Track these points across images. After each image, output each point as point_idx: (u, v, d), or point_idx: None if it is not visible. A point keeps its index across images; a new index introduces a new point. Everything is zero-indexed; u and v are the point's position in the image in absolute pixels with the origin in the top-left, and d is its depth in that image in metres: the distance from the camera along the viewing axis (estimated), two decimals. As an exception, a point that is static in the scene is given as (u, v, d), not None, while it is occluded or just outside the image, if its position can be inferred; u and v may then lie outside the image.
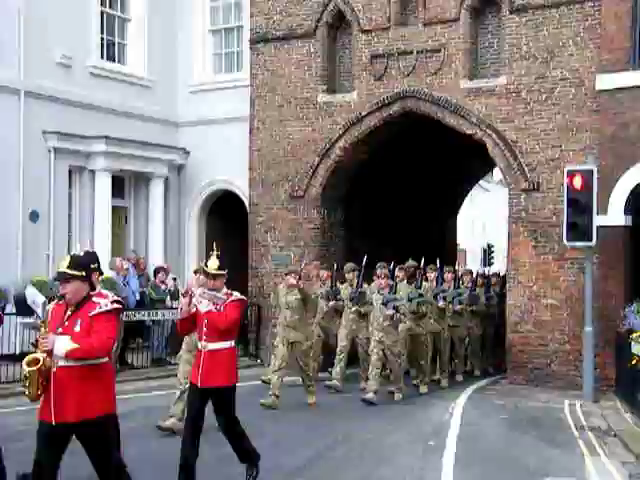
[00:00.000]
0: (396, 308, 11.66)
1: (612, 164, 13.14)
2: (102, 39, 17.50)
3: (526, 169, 14.15)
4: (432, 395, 12.99)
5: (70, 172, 16.51)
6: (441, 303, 13.78)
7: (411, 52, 15.19)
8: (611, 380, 12.88)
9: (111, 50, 17.84)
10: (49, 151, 15.88)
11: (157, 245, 17.84)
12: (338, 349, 13.12)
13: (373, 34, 15.60)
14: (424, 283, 13.26)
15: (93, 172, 16.70)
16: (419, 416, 11.19)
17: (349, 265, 13.70)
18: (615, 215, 13.09)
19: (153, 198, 17.96)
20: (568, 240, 12.76)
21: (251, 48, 16.95)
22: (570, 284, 13.78)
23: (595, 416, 11.26)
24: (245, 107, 16.90)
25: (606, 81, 13.26)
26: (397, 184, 18.35)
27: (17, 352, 13.72)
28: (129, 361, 14.65)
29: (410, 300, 12.31)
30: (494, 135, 14.42)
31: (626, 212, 13.13)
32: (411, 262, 13.59)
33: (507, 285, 14.89)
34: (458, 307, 14.30)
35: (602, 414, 11.31)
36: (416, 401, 12.38)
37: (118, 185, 17.54)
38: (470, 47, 14.83)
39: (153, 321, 14.92)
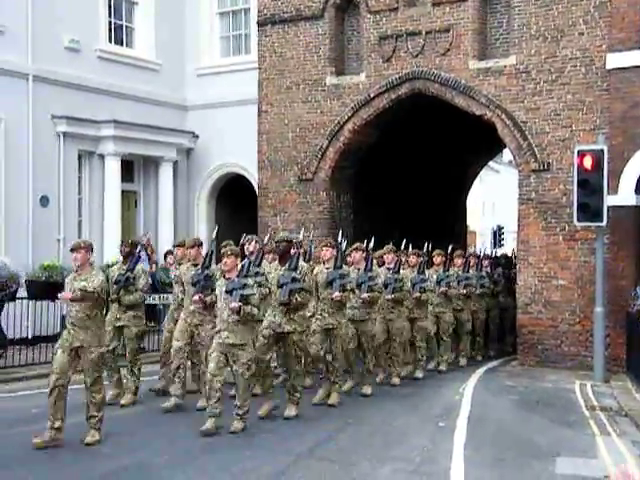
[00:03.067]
0: (343, 287, 9.91)
1: (623, 144, 13.05)
2: (110, 23, 17.50)
3: (536, 150, 14.08)
4: (442, 377, 13.01)
5: (79, 156, 16.56)
6: (443, 288, 13.32)
7: (420, 33, 15.10)
8: (622, 360, 12.86)
9: (119, 34, 17.83)
10: (58, 136, 15.92)
11: (167, 229, 17.88)
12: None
13: (381, 15, 15.50)
14: (402, 270, 12.01)
15: (102, 156, 16.73)
16: (429, 397, 11.20)
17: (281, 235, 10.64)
18: (626, 195, 13.01)
19: (162, 182, 17.99)
20: (578, 221, 12.72)
21: (259, 30, 16.89)
22: (580, 265, 13.74)
23: (606, 396, 11.26)
24: (253, 90, 16.86)
25: (617, 60, 13.15)
26: (406, 166, 18.31)
27: (29, 336, 13.84)
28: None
29: (359, 285, 10.64)
30: (504, 115, 14.34)
31: (637, 192, 13.04)
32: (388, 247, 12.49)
33: (517, 266, 14.86)
34: (444, 289, 13.38)
35: (613, 394, 11.31)
36: (426, 382, 12.39)
37: (127, 169, 17.58)
38: (479, 27, 14.72)
39: (164, 305, 14.97)
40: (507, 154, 27.33)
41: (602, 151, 12.45)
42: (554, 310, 13.98)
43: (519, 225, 14.53)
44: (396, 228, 16.28)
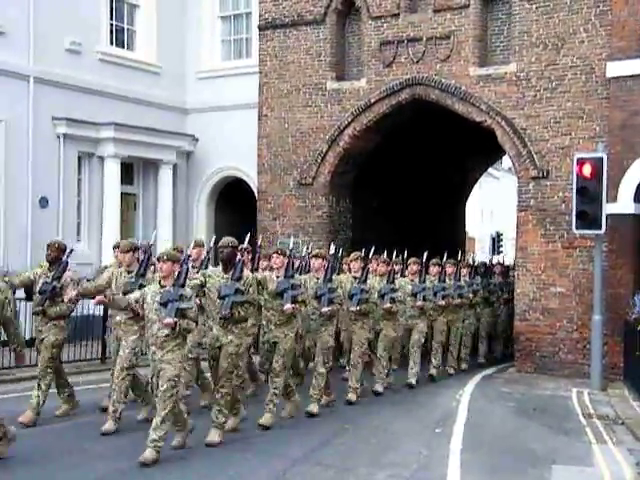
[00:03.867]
0: (294, 298, 9.12)
1: (622, 152, 13.07)
2: (111, 25, 17.52)
3: (535, 157, 14.10)
4: (439, 383, 13.00)
5: (79, 158, 16.56)
6: (386, 305, 11.38)
7: (420, 39, 15.13)
8: (619, 368, 12.86)
9: (120, 36, 17.85)
10: (58, 137, 15.93)
11: (166, 232, 17.86)
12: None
13: (382, 21, 15.53)
14: (370, 279, 11.11)
15: (102, 158, 16.74)
16: (426, 403, 11.21)
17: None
18: (624, 203, 13.03)
19: (162, 184, 17.99)
20: (577, 228, 12.73)
21: (260, 34, 16.91)
22: (579, 272, 13.74)
23: (603, 404, 11.26)
24: (254, 94, 16.87)
25: (617, 68, 13.17)
26: (406, 171, 18.32)
27: (27, 337, 13.79)
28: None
29: (318, 297, 9.86)
30: (503, 122, 14.36)
31: (636, 200, 13.06)
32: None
33: (516, 273, 14.86)
34: (419, 303, 12.36)
35: (610, 402, 11.31)
36: (423, 388, 12.39)
37: (127, 171, 17.58)
38: (480, 34, 14.75)
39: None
40: (507, 161, 27.36)
41: (601, 159, 12.47)
42: (552, 317, 13.98)
43: (518, 232, 14.54)
44: (395, 233, 16.33)
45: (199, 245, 10.50)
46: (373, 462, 7.84)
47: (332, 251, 11.45)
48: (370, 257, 11.65)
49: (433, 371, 13.06)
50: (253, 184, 17.53)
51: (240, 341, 8.34)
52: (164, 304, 7.44)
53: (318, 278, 10.02)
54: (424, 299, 12.48)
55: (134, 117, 17.07)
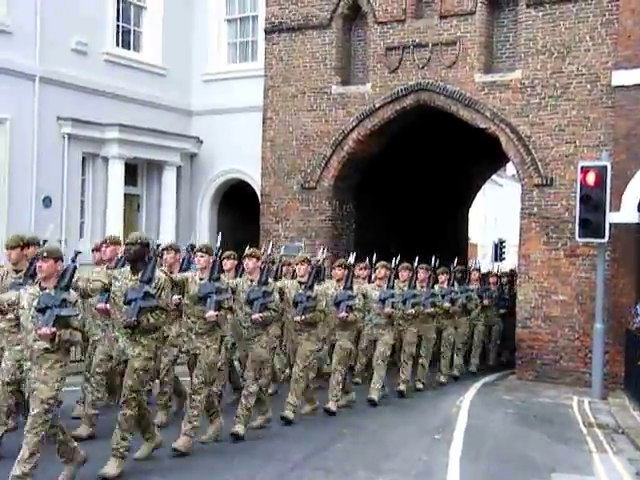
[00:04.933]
0: (220, 304, 8.19)
1: (626, 161, 13.06)
2: (118, 26, 17.53)
3: (539, 164, 14.09)
4: (440, 390, 12.99)
5: (84, 159, 16.58)
6: (387, 310, 11.22)
7: (426, 45, 15.14)
8: (620, 377, 12.83)
9: (126, 37, 17.87)
10: (63, 137, 15.94)
11: (169, 233, 17.86)
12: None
13: (388, 26, 15.54)
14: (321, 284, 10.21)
15: (106, 159, 16.75)
16: (426, 410, 11.20)
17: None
18: (628, 212, 13.01)
19: (165, 186, 18.00)
20: (580, 236, 12.72)
21: (266, 38, 16.92)
22: (581, 280, 13.73)
23: (603, 413, 11.25)
24: (259, 97, 16.88)
25: (622, 77, 13.17)
26: (409, 177, 18.32)
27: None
28: None
29: (250, 302, 8.81)
30: (508, 129, 14.36)
31: (639, 209, 13.05)
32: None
33: (518, 281, 14.86)
34: (388, 310, 11.19)
35: (610, 411, 11.29)
36: (424, 395, 12.38)
37: (131, 172, 17.59)
38: (486, 41, 14.76)
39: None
40: (511, 168, 27.36)
41: (605, 168, 12.47)
42: (554, 325, 13.96)
43: (520, 239, 14.52)
44: (398, 238, 16.33)
45: (114, 242, 9.14)
46: (372, 467, 7.83)
47: (320, 256, 10.89)
48: (355, 263, 11.23)
49: (402, 387, 11.89)
50: (257, 187, 17.54)
51: (149, 354, 7.16)
52: (42, 310, 6.19)
53: (252, 281, 8.91)
54: (392, 307, 11.28)
55: (139, 118, 17.08)
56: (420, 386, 12.64)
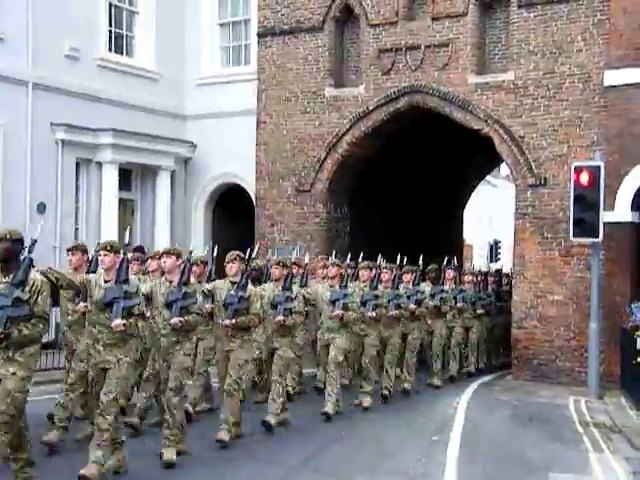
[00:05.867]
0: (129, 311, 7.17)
1: (619, 160, 13.10)
2: (110, 31, 17.52)
3: (533, 165, 14.12)
4: (436, 391, 12.99)
5: (77, 164, 16.55)
6: (370, 313, 10.84)
7: (419, 46, 15.17)
8: (616, 376, 12.86)
9: (119, 42, 17.85)
10: (57, 143, 15.92)
11: (163, 238, 17.85)
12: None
13: (381, 28, 15.57)
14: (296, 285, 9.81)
15: (100, 164, 16.73)
16: (423, 411, 11.19)
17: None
18: (622, 211, 13.06)
19: (160, 191, 17.99)
20: (574, 236, 12.75)
21: (259, 41, 16.94)
22: (576, 280, 13.76)
23: (599, 412, 11.26)
24: (252, 100, 16.89)
25: (614, 77, 13.21)
26: (404, 179, 18.34)
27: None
28: None
29: (168, 305, 7.90)
30: (501, 130, 14.40)
31: (633, 209, 13.10)
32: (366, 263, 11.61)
33: (513, 281, 14.89)
34: (337, 312, 10.17)
35: (607, 410, 11.31)
36: (421, 396, 12.38)
37: (125, 177, 17.57)
38: (478, 42, 14.80)
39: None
40: (505, 168, 27.40)
41: (599, 167, 12.50)
42: (549, 325, 13.99)
43: (515, 240, 14.56)
44: (392, 240, 16.32)
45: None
46: (370, 469, 7.83)
47: (306, 259, 10.65)
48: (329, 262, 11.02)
49: (364, 399, 10.87)
50: (251, 191, 17.53)
51: (28, 372, 6.22)
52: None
53: (171, 282, 8.02)
54: (346, 308, 10.24)
55: (132, 123, 17.06)
56: (385, 392, 11.50)
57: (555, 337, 13.94)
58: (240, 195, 18.25)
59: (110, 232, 16.42)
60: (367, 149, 16.29)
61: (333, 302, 10.26)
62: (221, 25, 18.99)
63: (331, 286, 10.53)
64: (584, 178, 12.50)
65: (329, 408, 9.92)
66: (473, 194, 24.95)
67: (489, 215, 47.85)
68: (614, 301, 13.10)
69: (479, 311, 14.91)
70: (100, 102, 16.69)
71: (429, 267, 13.69)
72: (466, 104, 14.71)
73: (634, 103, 13.04)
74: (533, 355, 14.11)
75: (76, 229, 16.56)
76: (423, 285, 13.06)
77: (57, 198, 15.91)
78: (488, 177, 33.68)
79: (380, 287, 11.28)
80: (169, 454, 7.56)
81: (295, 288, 9.61)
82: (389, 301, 11.36)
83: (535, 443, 9.31)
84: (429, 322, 13.25)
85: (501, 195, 43.93)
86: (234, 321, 8.35)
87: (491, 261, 32.37)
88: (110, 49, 17.48)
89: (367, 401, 10.87)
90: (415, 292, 12.34)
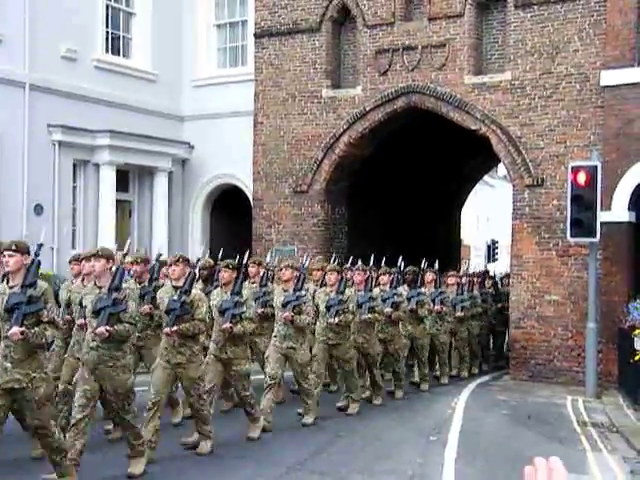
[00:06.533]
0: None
1: (616, 160, 13.12)
2: (107, 33, 17.53)
3: (530, 165, 14.14)
4: (434, 391, 12.99)
5: (74, 165, 16.56)
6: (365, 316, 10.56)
7: (416, 47, 15.17)
8: (614, 376, 12.87)
9: (116, 44, 17.86)
10: (54, 144, 15.93)
11: (161, 239, 17.87)
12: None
13: (378, 29, 15.58)
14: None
15: (97, 166, 16.74)
16: (421, 411, 11.20)
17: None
18: (619, 211, 13.07)
19: (157, 192, 17.99)
20: (572, 236, 12.75)
21: (256, 42, 16.94)
22: (573, 280, 13.77)
23: (597, 412, 11.27)
24: (249, 102, 16.90)
25: (611, 77, 13.23)
26: (401, 179, 18.35)
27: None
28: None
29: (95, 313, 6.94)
30: (498, 131, 14.41)
31: (630, 208, 13.11)
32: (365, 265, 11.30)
33: (511, 281, 14.89)
34: (286, 314, 9.35)
35: (604, 410, 11.31)
36: (419, 396, 12.39)
37: (122, 179, 17.57)
38: (475, 42, 14.81)
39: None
40: (502, 169, 27.43)
41: (596, 167, 12.51)
42: (547, 325, 14.00)
43: (513, 240, 14.56)
44: (390, 240, 16.33)
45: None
46: (367, 470, 7.83)
47: (269, 260, 10.57)
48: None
49: (351, 404, 10.53)
50: (248, 192, 17.54)
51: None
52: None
53: (101, 287, 7.09)
54: (298, 312, 9.39)
55: (130, 124, 17.07)
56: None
57: (553, 337, 13.95)
58: (237, 196, 18.26)
59: (107, 233, 16.45)
60: (364, 150, 16.29)
61: (284, 305, 9.44)
62: (218, 26, 18.99)
63: (285, 290, 9.67)
64: (581, 178, 12.51)
65: (306, 419, 9.63)
66: (471, 194, 24.98)
67: (487, 215, 47.87)
68: (611, 301, 13.11)
69: (458, 314, 14.03)
70: (97, 103, 16.70)
71: (406, 269, 12.81)
72: (463, 104, 14.72)
73: (631, 103, 13.06)
74: (531, 355, 14.11)
75: (73, 230, 16.56)
76: (400, 288, 12.15)
77: (54, 200, 15.92)
78: (486, 177, 33.73)
79: (348, 291, 10.35)
80: (134, 467, 7.24)
81: (245, 292, 8.74)
82: (360, 305, 10.53)
83: (533, 443, 9.32)
84: (409, 328, 12.44)
85: (499, 195, 43.99)
86: (175, 328, 7.54)
87: (489, 261, 32.40)
88: (107, 50, 17.49)
89: (353, 407, 10.57)
90: (392, 295, 11.51)
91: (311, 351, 10.06)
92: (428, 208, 19.70)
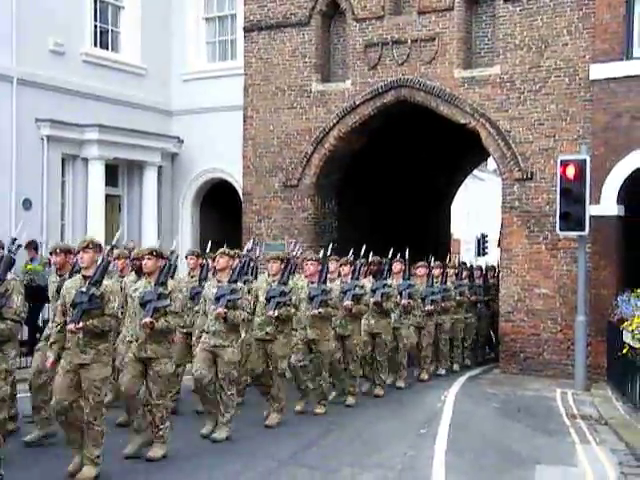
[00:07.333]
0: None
1: (605, 154, 13.16)
2: (95, 26, 17.41)
3: (519, 158, 14.17)
4: (425, 384, 13.03)
5: (63, 160, 16.47)
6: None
7: (405, 41, 15.17)
8: (603, 369, 12.94)
9: (105, 38, 17.76)
10: (42, 139, 15.83)
11: (150, 234, 17.79)
12: None
13: (367, 23, 15.56)
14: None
15: (86, 160, 16.66)
16: (411, 404, 11.23)
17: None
18: (608, 205, 13.12)
19: (146, 186, 17.92)
20: (561, 230, 12.80)
21: (245, 36, 16.90)
22: (563, 273, 13.82)
23: (586, 404, 11.33)
24: (239, 96, 16.85)
25: (600, 71, 13.27)
26: (391, 173, 18.36)
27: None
28: None
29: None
30: (488, 124, 14.43)
31: (619, 202, 13.17)
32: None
33: (500, 274, 14.94)
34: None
35: (593, 402, 11.37)
36: (408, 389, 12.41)
37: (111, 173, 17.50)
38: (464, 36, 14.81)
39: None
40: (492, 162, 27.47)
41: (585, 161, 12.55)
42: (536, 318, 14.05)
43: (502, 233, 14.61)
44: (380, 234, 16.33)
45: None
46: (358, 463, 7.85)
47: (251, 247, 10.47)
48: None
49: (347, 398, 10.73)
50: (238, 186, 17.51)
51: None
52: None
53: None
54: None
55: (119, 119, 16.99)
56: (351, 402, 10.77)
57: (542, 330, 14.00)
58: (227, 190, 18.22)
59: (97, 228, 16.38)
60: (354, 144, 16.28)
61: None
62: (207, 20, 18.92)
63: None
64: (570, 172, 12.54)
65: (217, 434, 8.49)
66: (461, 188, 25.02)
67: (477, 209, 47.94)
68: (600, 294, 13.17)
69: (428, 307, 13.17)
70: (85, 98, 16.60)
71: (371, 259, 12.00)
72: (452, 98, 14.73)
73: (619, 96, 13.10)
74: (520, 348, 14.17)
75: (62, 225, 16.49)
76: (364, 280, 11.40)
77: (43, 194, 15.83)
78: (475, 171, 33.78)
79: (300, 281, 9.98)
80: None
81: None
82: (312, 298, 9.78)
83: (522, 435, 9.36)
84: (372, 322, 11.49)
85: (488, 189, 44.03)
86: (81, 325, 6.72)
87: (479, 255, 32.50)
88: (95, 44, 17.37)
89: (350, 400, 10.69)
90: (353, 287, 10.67)
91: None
92: (418, 202, 19.72)
